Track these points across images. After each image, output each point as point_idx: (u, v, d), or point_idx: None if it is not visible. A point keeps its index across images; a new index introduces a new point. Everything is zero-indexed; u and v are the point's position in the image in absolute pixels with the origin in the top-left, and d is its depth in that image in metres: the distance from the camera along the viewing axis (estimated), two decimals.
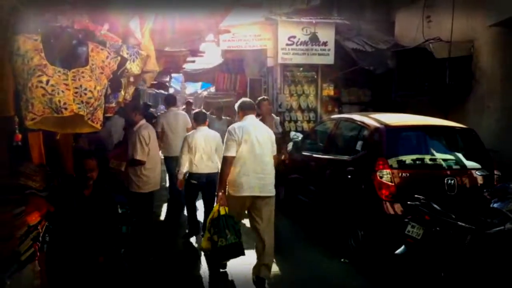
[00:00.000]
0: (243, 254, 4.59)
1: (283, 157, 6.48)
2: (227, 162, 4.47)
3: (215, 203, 4.65)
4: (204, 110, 8.20)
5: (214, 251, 4.49)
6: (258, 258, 4.58)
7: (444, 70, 7.62)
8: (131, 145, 5.48)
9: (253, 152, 4.47)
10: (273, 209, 4.68)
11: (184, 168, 5.74)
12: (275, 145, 4.76)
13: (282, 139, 6.92)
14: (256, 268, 4.58)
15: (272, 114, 7.08)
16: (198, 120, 5.87)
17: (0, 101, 2.79)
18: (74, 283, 3.56)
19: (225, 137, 4.61)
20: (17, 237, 2.87)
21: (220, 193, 4.49)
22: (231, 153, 4.45)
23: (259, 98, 6.94)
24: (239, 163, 4.47)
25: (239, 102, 4.92)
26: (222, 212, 4.43)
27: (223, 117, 10.27)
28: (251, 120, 4.67)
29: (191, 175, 5.77)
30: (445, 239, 3.81)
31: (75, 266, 3.57)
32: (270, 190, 4.57)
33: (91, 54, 3.08)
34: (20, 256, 2.90)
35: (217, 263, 4.90)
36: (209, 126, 6.03)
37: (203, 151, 5.64)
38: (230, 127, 4.67)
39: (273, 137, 4.76)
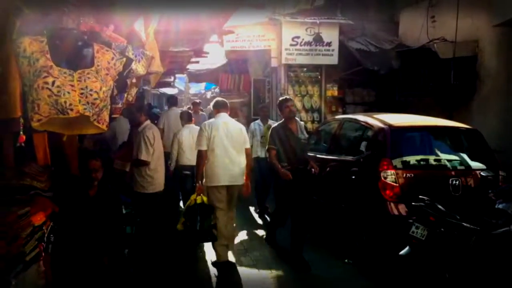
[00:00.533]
0: (215, 240, 5.04)
1: (313, 170, 5.31)
2: (199, 155, 5.02)
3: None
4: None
5: (187, 234, 5.05)
6: (219, 238, 5.04)
7: (449, 70, 7.60)
8: (136, 145, 5.49)
9: (222, 145, 4.99)
10: (236, 195, 5.21)
11: (174, 161, 6.48)
12: (247, 139, 5.31)
13: (307, 145, 5.77)
14: (216, 250, 5.08)
15: (296, 118, 5.65)
16: (185, 119, 6.79)
17: (7, 102, 2.81)
18: (79, 283, 3.58)
19: (198, 133, 5.22)
20: (22, 237, 2.88)
21: (198, 184, 5.01)
22: (202, 147, 4.99)
23: (280, 98, 5.68)
24: (211, 156, 5.00)
25: (213, 101, 5.52)
26: (199, 201, 4.95)
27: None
28: (222, 118, 5.20)
29: (182, 167, 6.45)
30: (450, 240, 3.80)
31: (80, 266, 3.59)
32: (238, 180, 5.08)
33: (97, 55, 3.09)
34: (25, 256, 2.91)
35: (194, 243, 5.57)
36: None
37: (190, 145, 6.23)
38: (202, 124, 5.26)
39: (245, 132, 5.29)
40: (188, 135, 6.44)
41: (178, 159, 6.56)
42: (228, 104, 5.47)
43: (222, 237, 5.03)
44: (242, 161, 5.12)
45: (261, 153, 7.36)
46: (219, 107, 5.30)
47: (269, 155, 5.36)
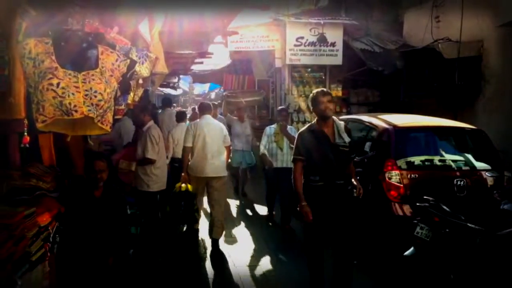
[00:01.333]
0: (195, 222, 6.01)
1: (355, 191, 4.22)
2: (185, 150, 5.84)
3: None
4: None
5: (172, 216, 5.75)
6: (211, 223, 5.87)
7: (453, 70, 7.58)
8: (141, 145, 5.53)
9: (204, 143, 5.73)
10: (223, 187, 5.95)
11: (170, 155, 6.93)
12: (228, 138, 6.02)
13: (349, 154, 4.28)
14: (210, 231, 5.86)
15: (334, 117, 4.19)
16: (180, 118, 7.64)
17: (11, 103, 2.83)
18: (83, 283, 3.59)
19: (185, 131, 5.98)
20: (28, 237, 2.91)
21: (183, 174, 5.79)
22: (188, 143, 5.78)
23: (314, 91, 4.16)
24: (195, 151, 5.77)
25: (199, 104, 6.39)
26: (183, 188, 5.71)
27: (245, 119, 8.87)
28: (206, 119, 5.95)
29: (173, 159, 7.00)
30: (455, 240, 3.78)
31: (85, 267, 3.60)
32: (219, 172, 5.80)
33: (101, 57, 3.11)
34: (31, 256, 2.93)
35: (177, 225, 6.28)
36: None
37: (181, 142, 6.56)
38: (188, 124, 6.03)
39: (226, 131, 6.00)
40: (180, 132, 6.85)
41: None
42: (212, 107, 6.35)
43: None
44: (222, 156, 5.88)
45: (276, 162, 6.67)
46: (204, 110, 6.07)
47: (294, 169, 4.17)
